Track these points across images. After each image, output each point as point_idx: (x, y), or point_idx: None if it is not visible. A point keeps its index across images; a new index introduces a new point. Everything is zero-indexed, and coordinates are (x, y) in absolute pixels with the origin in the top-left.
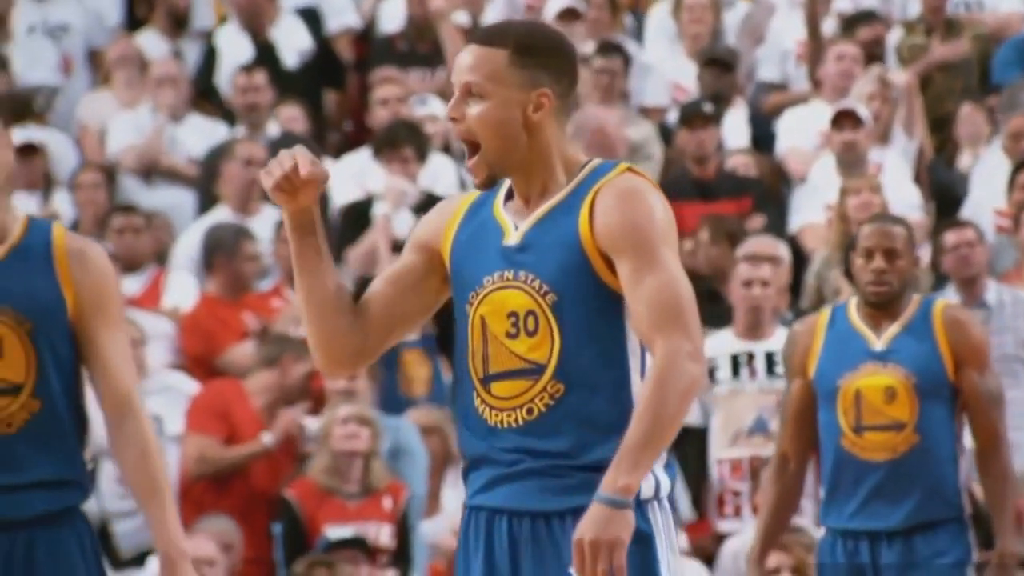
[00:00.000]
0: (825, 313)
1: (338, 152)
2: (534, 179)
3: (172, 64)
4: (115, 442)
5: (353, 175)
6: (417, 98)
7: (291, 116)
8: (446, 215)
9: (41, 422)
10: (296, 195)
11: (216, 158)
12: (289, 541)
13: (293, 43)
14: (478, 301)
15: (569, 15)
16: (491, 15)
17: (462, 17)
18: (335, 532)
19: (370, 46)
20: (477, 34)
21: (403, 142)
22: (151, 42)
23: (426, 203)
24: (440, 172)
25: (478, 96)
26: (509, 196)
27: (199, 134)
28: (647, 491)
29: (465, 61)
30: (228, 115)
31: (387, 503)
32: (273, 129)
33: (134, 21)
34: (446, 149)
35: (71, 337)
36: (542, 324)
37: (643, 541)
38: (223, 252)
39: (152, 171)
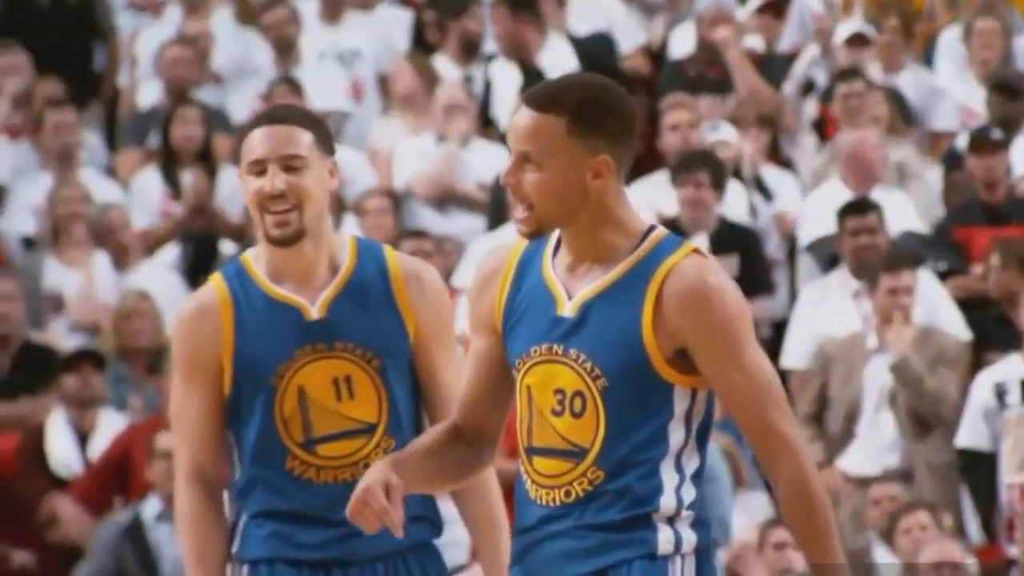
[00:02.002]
0: None
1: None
2: (587, 241)
3: (460, 90)
4: None
5: (646, 199)
6: (708, 124)
7: None
8: (495, 286)
9: None
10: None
11: None
12: None
13: (562, 68)
14: (525, 369)
15: (858, 40)
16: (786, 40)
17: (754, 42)
18: None
19: (660, 71)
20: (533, 96)
21: (699, 167)
22: (442, 67)
23: (721, 231)
24: (732, 199)
25: (535, 165)
26: (556, 246)
27: (485, 159)
28: (665, 547)
29: (520, 127)
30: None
31: None
32: None
33: (424, 46)
34: (736, 175)
35: (412, 367)
36: (589, 407)
37: None
38: None
39: (446, 198)
